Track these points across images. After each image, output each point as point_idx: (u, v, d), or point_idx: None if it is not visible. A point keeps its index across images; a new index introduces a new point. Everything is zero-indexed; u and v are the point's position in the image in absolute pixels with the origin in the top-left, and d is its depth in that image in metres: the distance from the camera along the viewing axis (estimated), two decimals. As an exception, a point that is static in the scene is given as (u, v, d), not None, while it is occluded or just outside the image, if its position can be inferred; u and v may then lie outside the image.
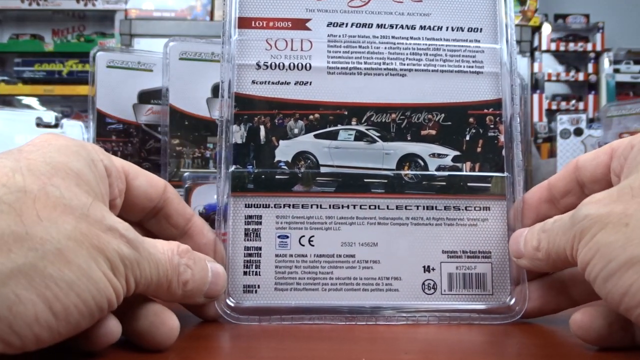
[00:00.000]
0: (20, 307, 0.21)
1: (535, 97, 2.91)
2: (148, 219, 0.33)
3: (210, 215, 0.48)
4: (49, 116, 0.77)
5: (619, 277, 0.25)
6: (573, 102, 3.13)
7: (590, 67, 3.14)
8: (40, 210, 0.23)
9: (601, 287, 0.26)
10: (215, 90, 0.55)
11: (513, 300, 0.34)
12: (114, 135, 0.61)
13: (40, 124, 0.75)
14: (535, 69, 2.95)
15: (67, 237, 0.23)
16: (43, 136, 0.27)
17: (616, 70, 3.11)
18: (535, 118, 2.82)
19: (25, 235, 0.22)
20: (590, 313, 0.29)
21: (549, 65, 3.11)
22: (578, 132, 1.23)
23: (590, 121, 1.30)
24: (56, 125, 0.76)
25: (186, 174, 0.53)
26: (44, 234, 0.23)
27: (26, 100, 2.86)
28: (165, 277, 0.27)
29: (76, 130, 0.73)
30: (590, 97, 3.11)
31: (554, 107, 3.06)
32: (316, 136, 0.36)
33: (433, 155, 0.36)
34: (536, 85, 2.95)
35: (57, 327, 0.23)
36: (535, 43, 3.00)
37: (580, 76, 3.13)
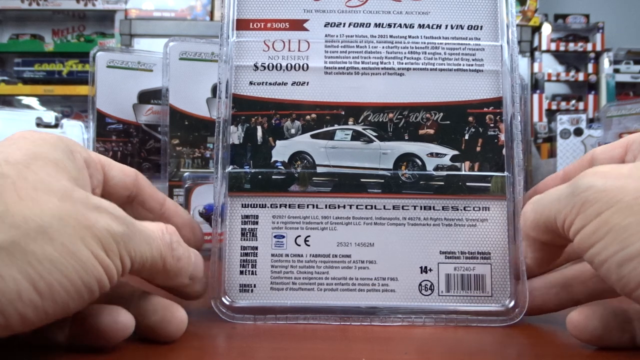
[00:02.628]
0: (1, 284, 0.21)
1: (535, 97, 2.91)
2: (124, 208, 0.33)
3: (210, 214, 0.48)
4: (49, 116, 0.77)
5: (637, 263, 0.24)
6: (573, 102, 3.13)
7: (590, 67, 3.14)
8: (20, 191, 0.23)
9: (612, 271, 0.25)
10: (215, 90, 0.55)
11: (513, 302, 0.34)
12: (114, 135, 0.61)
13: (40, 124, 0.75)
14: (535, 69, 2.95)
15: (50, 216, 0.23)
16: (19, 132, 0.27)
17: (616, 70, 3.11)
18: (535, 118, 2.82)
19: (5, 212, 0.22)
20: (586, 312, 0.28)
21: (549, 65, 3.11)
22: (578, 132, 1.23)
23: (590, 121, 1.29)
24: (56, 125, 0.75)
25: (186, 174, 0.53)
26: (26, 212, 0.22)
27: (26, 100, 2.87)
28: (159, 254, 0.27)
29: (76, 130, 0.73)
30: (590, 97, 3.11)
31: (554, 107, 3.06)
32: (313, 136, 0.36)
33: (431, 154, 0.36)
34: (536, 85, 2.95)
35: (42, 306, 0.22)
36: (535, 43, 3.00)
37: (580, 76, 3.13)
